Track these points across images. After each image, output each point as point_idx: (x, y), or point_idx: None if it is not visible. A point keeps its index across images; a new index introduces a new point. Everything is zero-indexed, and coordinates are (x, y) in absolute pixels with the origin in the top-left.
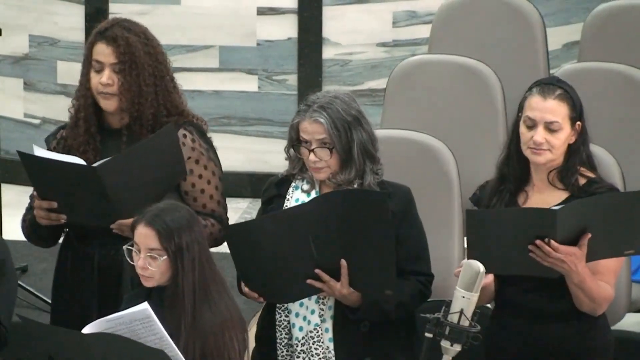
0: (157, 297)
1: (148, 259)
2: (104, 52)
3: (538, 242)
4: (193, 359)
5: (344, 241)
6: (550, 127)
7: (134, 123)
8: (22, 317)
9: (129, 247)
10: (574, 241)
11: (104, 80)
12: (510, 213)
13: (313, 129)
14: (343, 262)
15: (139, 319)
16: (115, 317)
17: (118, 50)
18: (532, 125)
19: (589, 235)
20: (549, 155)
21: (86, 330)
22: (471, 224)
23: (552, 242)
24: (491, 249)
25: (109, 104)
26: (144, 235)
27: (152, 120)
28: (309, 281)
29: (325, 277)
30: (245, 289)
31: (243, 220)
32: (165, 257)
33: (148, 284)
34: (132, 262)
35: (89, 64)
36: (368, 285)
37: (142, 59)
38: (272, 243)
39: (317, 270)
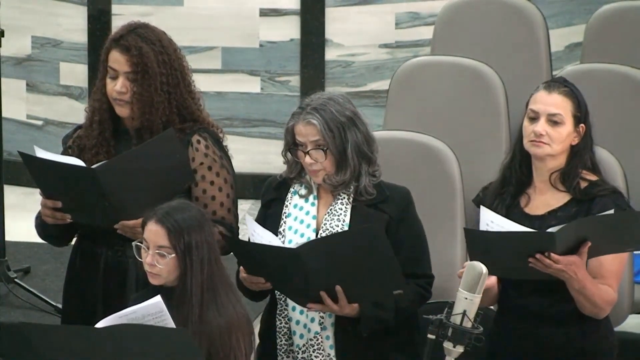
0: (164, 298)
1: (156, 256)
2: (118, 60)
3: (538, 255)
4: None
5: (342, 271)
6: (552, 119)
7: (144, 131)
8: (23, 323)
9: (138, 244)
10: (573, 249)
11: (118, 88)
12: (508, 235)
13: (307, 130)
14: (339, 288)
15: (151, 313)
16: (128, 312)
17: (131, 60)
18: (534, 118)
19: (589, 244)
20: (548, 149)
21: (99, 325)
22: (470, 240)
23: (552, 254)
24: (491, 260)
25: (122, 111)
26: (154, 233)
27: (163, 129)
28: (309, 305)
29: (328, 301)
30: (244, 275)
31: (248, 221)
32: (173, 255)
33: (154, 281)
34: (140, 259)
35: (104, 69)
36: (371, 298)
37: (154, 69)
38: (272, 265)
39: (321, 293)
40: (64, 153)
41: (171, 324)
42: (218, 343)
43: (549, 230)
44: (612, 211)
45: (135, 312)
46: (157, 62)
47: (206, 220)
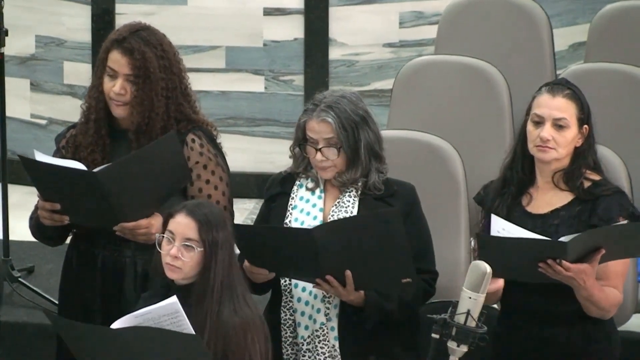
0: (179, 297)
1: (182, 248)
2: (119, 61)
3: (549, 261)
4: (214, 357)
5: (353, 255)
6: (557, 124)
7: (142, 135)
8: (48, 314)
9: (162, 235)
10: (585, 256)
11: (117, 89)
12: (521, 242)
13: (321, 128)
14: (348, 272)
15: (167, 314)
16: (143, 312)
17: (133, 63)
18: (539, 122)
19: (603, 252)
20: (555, 153)
21: (115, 325)
22: (483, 246)
23: (564, 262)
24: (502, 264)
25: (119, 111)
26: (184, 225)
27: (161, 133)
28: (318, 280)
29: (335, 282)
30: (247, 264)
31: (249, 222)
32: (201, 249)
33: (174, 275)
34: (160, 251)
35: (103, 68)
36: (378, 287)
37: (156, 75)
38: (277, 249)
39: (328, 277)
40: (57, 153)
41: (187, 324)
42: (233, 342)
43: (562, 239)
44: (625, 222)
45: (151, 312)
46: (159, 67)
47: (227, 219)
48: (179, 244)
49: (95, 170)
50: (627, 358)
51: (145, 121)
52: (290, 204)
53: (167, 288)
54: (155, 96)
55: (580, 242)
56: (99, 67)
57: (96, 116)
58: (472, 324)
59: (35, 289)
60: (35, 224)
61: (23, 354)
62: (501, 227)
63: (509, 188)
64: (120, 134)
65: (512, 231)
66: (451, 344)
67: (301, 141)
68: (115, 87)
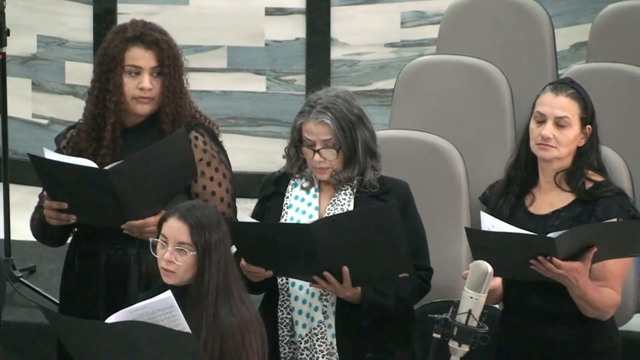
0: (176, 298)
1: (176, 252)
2: (142, 56)
3: (540, 257)
4: (211, 358)
5: (351, 250)
6: (559, 123)
7: (171, 125)
8: (42, 309)
9: (155, 240)
10: (578, 254)
11: (146, 85)
12: (509, 236)
13: (318, 130)
14: (345, 269)
15: (161, 309)
16: (138, 307)
17: (161, 54)
18: (541, 121)
19: (595, 250)
20: (555, 152)
21: (110, 320)
22: (472, 240)
23: (555, 259)
24: (494, 260)
25: (145, 108)
26: (176, 229)
27: (189, 120)
28: (315, 277)
29: (332, 279)
30: (243, 263)
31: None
32: (194, 252)
33: (169, 279)
34: (155, 255)
35: (121, 69)
36: (375, 283)
37: (180, 61)
38: (274, 246)
39: (325, 273)
40: (58, 152)
41: (182, 319)
42: (230, 343)
43: (550, 235)
44: (614, 220)
45: (146, 307)
46: (180, 55)
47: (222, 220)
48: (172, 248)
49: (106, 167)
50: (628, 358)
51: (177, 110)
52: (286, 203)
53: (166, 288)
54: (185, 81)
55: (569, 238)
56: (114, 70)
57: (115, 119)
58: (473, 323)
59: (36, 288)
60: (38, 224)
61: (24, 354)
62: (491, 225)
63: (513, 187)
64: (123, 133)
65: (502, 228)
66: (453, 344)
67: (297, 143)
68: (143, 83)
